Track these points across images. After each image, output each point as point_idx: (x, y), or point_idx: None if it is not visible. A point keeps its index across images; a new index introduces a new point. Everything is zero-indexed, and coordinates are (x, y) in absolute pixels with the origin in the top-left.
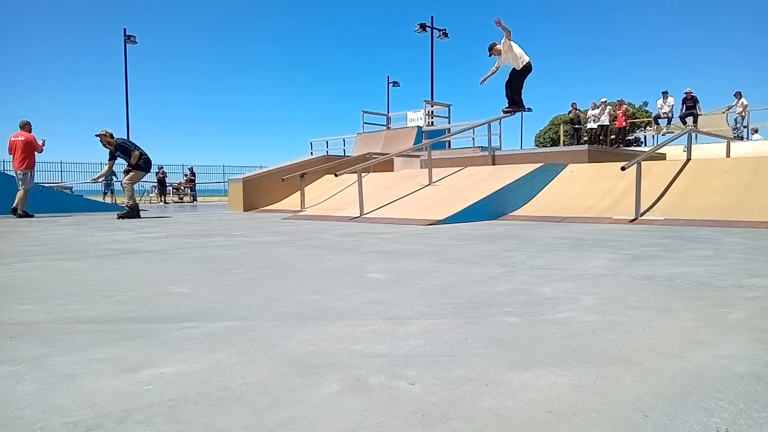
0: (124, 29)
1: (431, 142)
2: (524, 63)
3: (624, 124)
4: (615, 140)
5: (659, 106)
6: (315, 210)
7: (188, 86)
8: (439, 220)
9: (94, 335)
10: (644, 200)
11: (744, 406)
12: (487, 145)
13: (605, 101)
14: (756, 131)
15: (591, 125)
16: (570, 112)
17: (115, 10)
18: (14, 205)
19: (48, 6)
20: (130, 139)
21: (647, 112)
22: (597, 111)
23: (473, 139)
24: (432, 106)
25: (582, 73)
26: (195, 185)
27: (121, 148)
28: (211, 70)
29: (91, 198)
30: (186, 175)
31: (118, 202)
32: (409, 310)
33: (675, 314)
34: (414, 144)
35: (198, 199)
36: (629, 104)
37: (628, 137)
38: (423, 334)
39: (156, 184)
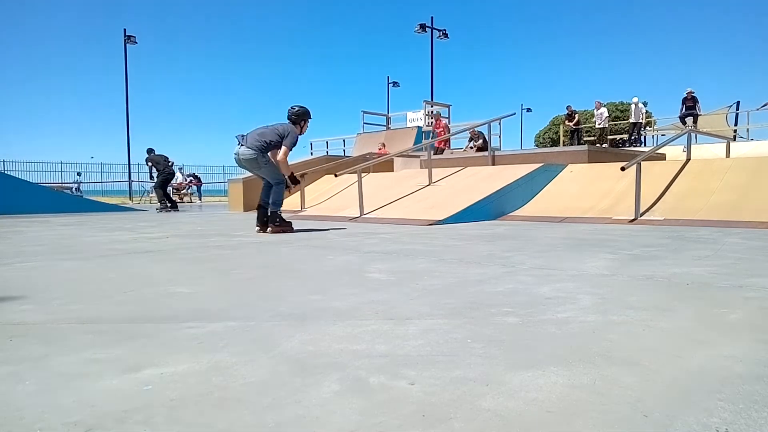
0: (124, 30)
1: (431, 142)
2: None
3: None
4: (599, 140)
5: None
6: (315, 210)
7: (188, 86)
8: (439, 220)
9: (94, 335)
10: (644, 200)
11: (744, 406)
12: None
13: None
14: None
15: (599, 124)
16: (567, 116)
17: (114, 9)
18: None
19: (47, 5)
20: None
21: (647, 112)
22: (603, 110)
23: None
24: (432, 106)
25: (582, 72)
26: (201, 185)
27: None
28: (210, 70)
29: (92, 197)
30: (187, 180)
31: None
32: (409, 310)
33: (675, 314)
34: (414, 144)
35: (195, 199)
36: (622, 104)
37: (623, 137)
38: (423, 334)
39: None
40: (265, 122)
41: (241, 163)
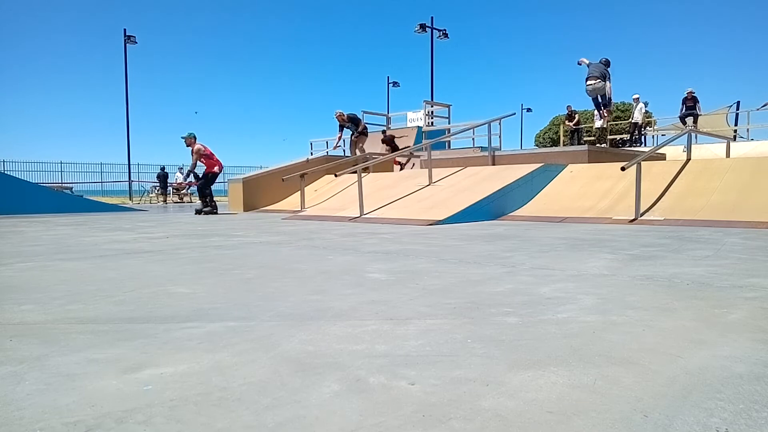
0: (124, 29)
1: (431, 142)
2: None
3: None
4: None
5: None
6: (315, 210)
7: (187, 85)
8: (439, 220)
9: (94, 335)
10: (644, 200)
11: (744, 407)
12: (487, 146)
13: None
14: None
15: (598, 124)
16: (567, 116)
17: (114, 8)
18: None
19: (47, 3)
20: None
21: (647, 112)
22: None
23: (473, 139)
24: (432, 106)
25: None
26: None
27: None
28: (210, 69)
29: (92, 197)
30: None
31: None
32: (409, 310)
33: (675, 314)
34: (414, 144)
35: (195, 199)
36: (623, 104)
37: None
38: (423, 334)
39: (157, 184)
40: (264, 124)
41: (594, 92)
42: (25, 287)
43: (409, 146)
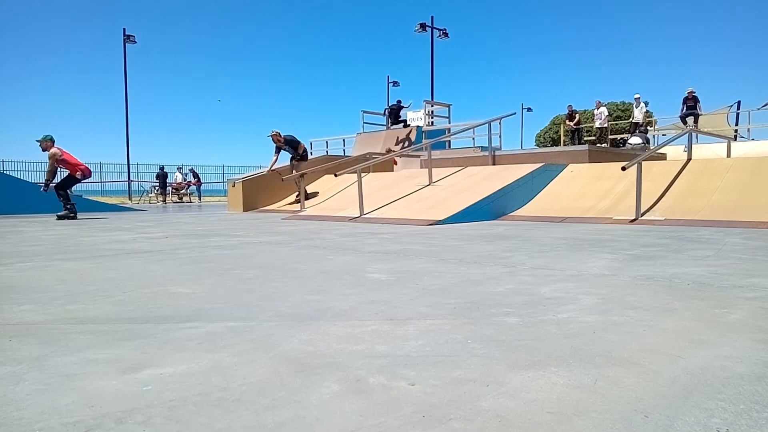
0: (124, 29)
1: (431, 142)
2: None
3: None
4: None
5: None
6: (315, 210)
7: (187, 85)
8: (439, 220)
9: (94, 335)
10: (644, 200)
11: (744, 407)
12: (487, 145)
13: (638, 97)
14: None
15: (598, 124)
16: (567, 116)
17: (114, 8)
18: None
19: (47, 3)
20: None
21: (648, 112)
22: (603, 109)
23: (473, 139)
24: (432, 106)
25: (583, 72)
26: (201, 184)
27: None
28: (210, 69)
29: (92, 197)
30: (186, 180)
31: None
32: (409, 310)
33: (675, 315)
34: (414, 144)
35: (194, 199)
36: (623, 103)
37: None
38: (423, 334)
39: (156, 184)
40: (264, 124)
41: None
42: (25, 287)
43: (404, 148)
